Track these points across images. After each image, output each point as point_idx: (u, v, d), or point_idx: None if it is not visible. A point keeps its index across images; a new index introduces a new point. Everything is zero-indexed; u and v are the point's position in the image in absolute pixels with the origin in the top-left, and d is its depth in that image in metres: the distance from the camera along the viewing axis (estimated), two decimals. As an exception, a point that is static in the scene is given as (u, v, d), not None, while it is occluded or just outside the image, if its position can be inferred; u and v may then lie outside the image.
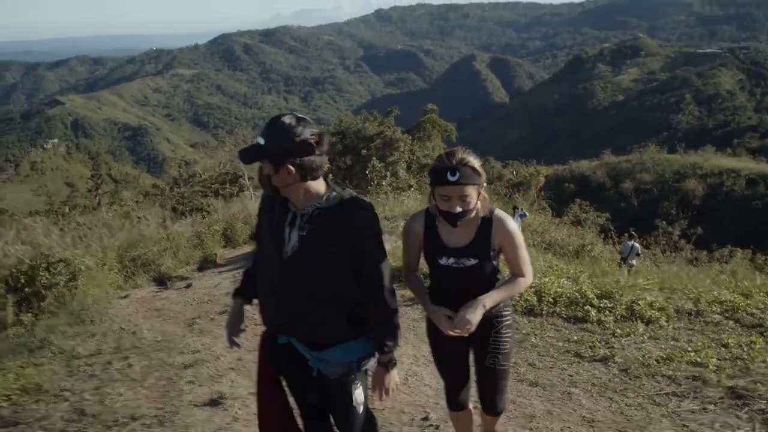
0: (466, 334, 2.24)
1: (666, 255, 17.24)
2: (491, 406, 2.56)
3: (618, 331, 4.28)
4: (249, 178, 20.51)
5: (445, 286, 2.39)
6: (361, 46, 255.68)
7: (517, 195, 14.91)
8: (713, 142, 78.13)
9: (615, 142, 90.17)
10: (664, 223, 30.49)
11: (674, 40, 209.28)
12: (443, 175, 2.19)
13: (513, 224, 2.37)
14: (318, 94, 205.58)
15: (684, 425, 2.78)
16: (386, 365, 2.21)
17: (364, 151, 22.13)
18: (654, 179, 52.51)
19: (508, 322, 2.47)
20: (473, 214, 2.29)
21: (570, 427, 2.88)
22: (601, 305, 4.76)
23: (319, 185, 2.18)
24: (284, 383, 2.39)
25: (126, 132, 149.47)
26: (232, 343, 2.40)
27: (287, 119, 2.08)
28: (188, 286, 7.60)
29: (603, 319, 4.54)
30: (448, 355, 2.51)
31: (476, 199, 2.25)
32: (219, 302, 6.41)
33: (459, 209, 2.20)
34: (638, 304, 4.74)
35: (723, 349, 3.85)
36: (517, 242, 2.34)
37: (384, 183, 14.32)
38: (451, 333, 2.24)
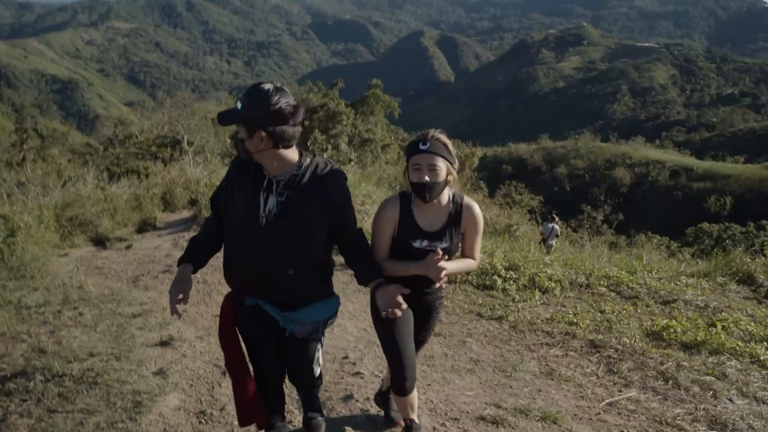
0: (438, 284, 2.38)
1: (591, 239, 18.49)
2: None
3: (517, 297, 4.98)
4: (189, 143, 20.30)
5: None
6: (310, 12, 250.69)
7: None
8: (644, 133, 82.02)
9: (553, 127, 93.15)
10: (589, 207, 32.34)
11: (615, 31, 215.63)
12: (416, 145, 2.35)
13: (479, 211, 2.51)
14: (262, 59, 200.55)
15: (546, 365, 3.48)
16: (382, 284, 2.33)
17: (306, 122, 22.22)
18: (587, 166, 54.77)
19: (442, 303, 2.70)
20: (444, 194, 2.42)
21: (459, 364, 3.54)
22: (507, 276, 5.46)
23: (292, 153, 2.24)
24: (243, 345, 2.45)
25: (54, 85, 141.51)
26: (174, 311, 2.27)
27: (266, 87, 2.13)
28: (128, 247, 7.74)
29: (507, 287, 5.25)
30: (407, 324, 2.53)
31: (445, 174, 2.35)
32: (161, 262, 6.68)
33: (427, 179, 2.30)
34: (539, 276, 5.47)
35: (599, 314, 4.61)
36: (479, 229, 2.49)
37: (324, 155, 14.53)
38: (441, 280, 2.34)
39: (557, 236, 13.87)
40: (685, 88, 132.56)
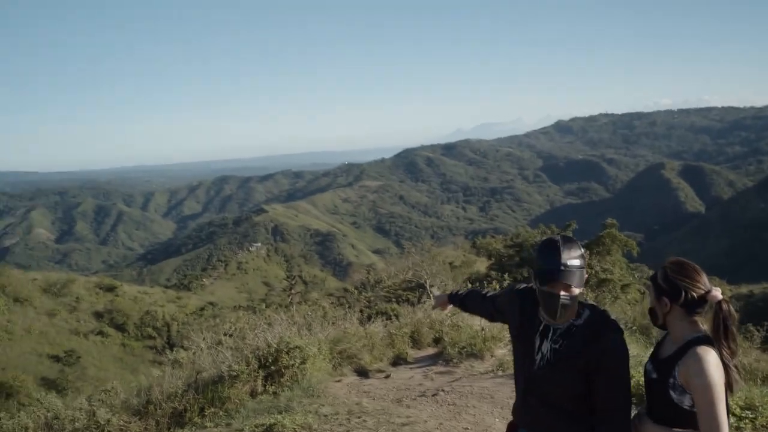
0: None
1: None
2: None
3: (753, 435, 5.07)
4: (431, 286, 22.41)
5: None
6: (540, 156, 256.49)
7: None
8: None
9: (842, 258, 78.18)
10: None
11: None
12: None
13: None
14: (496, 204, 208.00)
15: None
16: None
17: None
18: None
19: None
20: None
21: None
22: (743, 415, 5.50)
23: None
24: None
25: (316, 237, 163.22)
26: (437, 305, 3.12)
27: None
28: (387, 376, 9.20)
29: (741, 426, 5.31)
30: None
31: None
32: (415, 389, 7.95)
33: None
34: (782, 417, 5.42)
35: None
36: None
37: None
38: None
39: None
40: None
